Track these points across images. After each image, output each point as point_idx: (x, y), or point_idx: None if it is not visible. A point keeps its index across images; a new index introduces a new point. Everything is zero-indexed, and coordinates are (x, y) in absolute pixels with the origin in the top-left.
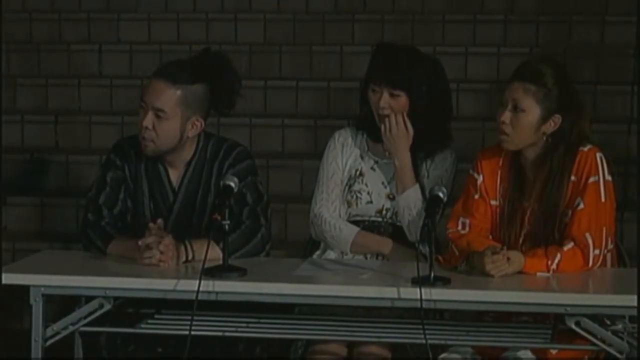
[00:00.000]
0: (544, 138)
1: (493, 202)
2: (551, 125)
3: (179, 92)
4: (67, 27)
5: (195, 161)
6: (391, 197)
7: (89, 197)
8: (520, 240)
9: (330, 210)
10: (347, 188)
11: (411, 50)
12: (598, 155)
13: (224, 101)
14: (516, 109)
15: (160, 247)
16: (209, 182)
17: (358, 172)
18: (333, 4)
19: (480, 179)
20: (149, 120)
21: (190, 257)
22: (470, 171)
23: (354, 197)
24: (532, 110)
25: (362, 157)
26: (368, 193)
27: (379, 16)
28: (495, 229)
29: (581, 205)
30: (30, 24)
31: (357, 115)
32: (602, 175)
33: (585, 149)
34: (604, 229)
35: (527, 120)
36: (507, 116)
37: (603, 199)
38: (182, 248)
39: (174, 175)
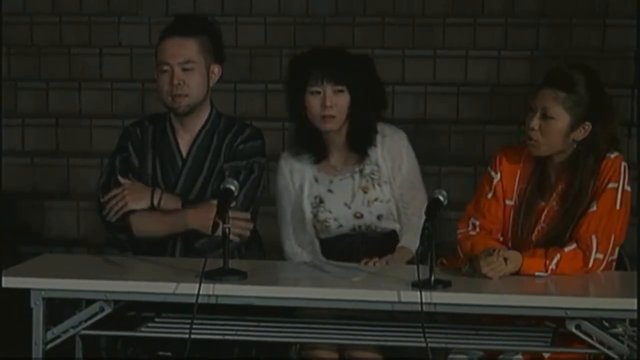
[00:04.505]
0: (574, 145)
1: (508, 202)
2: (581, 133)
3: (197, 41)
4: (68, 30)
5: (206, 130)
6: (358, 216)
7: (104, 183)
8: (533, 237)
9: (292, 246)
10: (313, 218)
11: (339, 48)
12: (623, 163)
13: (220, 48)
14: (545, 116)
15: (125, 185)
16: (219, 151)
17: (318, 200)
18: (334, 7)
19: (497, 177)
20: (178, 76)
21: (156, 203)
22: (488, 168)
23: (323, 225)
24: (561, 118)
25: (316, 180)
26: (335, 219)
27: (380, 19)
28: (507, 228)
29: (594, 208)
30: (31, 27)
31: (293, 137)
32: (622, 184)
33: (612, 156)
34: (613, 236)
35: (556, 127)
36: (536, 123)
37: (618, 207)
38: (150, 192)
39: (184, 143)
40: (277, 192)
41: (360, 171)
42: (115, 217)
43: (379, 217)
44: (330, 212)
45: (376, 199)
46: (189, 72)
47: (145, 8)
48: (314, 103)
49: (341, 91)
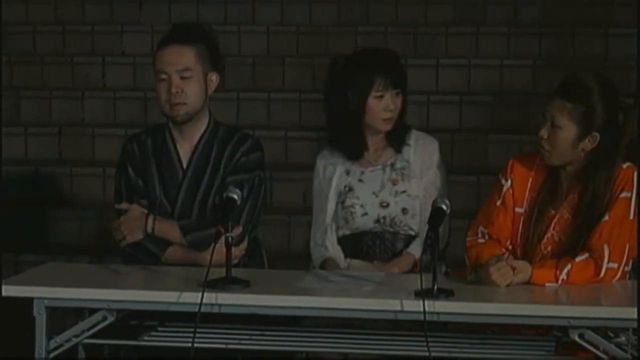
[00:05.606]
0: (582, 155)
1: (518, 210)
2: (590, 143)
3: (194, 50)
4: (71, 39)
5: (205, 139)
6: (384, 205)
7: (119, 210)
8: (542, 244)
9: (315, 240)
10: (340, 205)
11: (389, 50)
12: (636, 173)
13: (218, 56)
14: (554, 125)
15: (121, 219)
16: (219, 163)
17: (347, 188)
18: (336, 16)
19: (507, 184)
20: (176, 84)
21: (150, 230)
22: (499, 176)
23: (348, 212)
24: (568, 128)
25: (347, 173)
26: (361, 206)
27: (382, 28)
28: (516, 236)
29: (606, 217)
30: (33, 36)
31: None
32: (636, 193)
33: (624, 166)
34: (627, 245)
35: (562, 137)
36: (545, 131)
37: (632, 216)
38: (144, 219)
39: (183, 153)
40: (313, 191)
41: (392, 165)
42: (122, 245)
43: (404, 210)
44: (358, 198)
45: (404, 191)
46: (186, 80)
47: (148, 17)
48: (377, 107)
49: (398, 94)
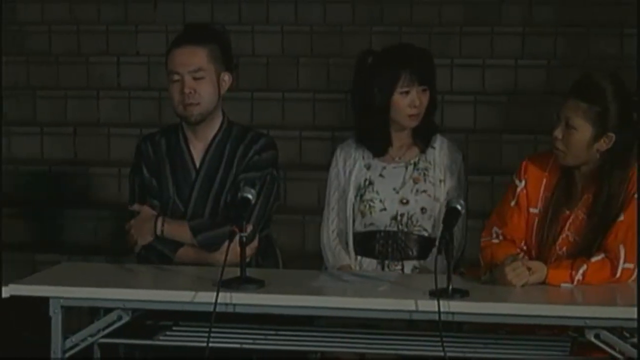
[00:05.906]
0: (597, 155)
1: (532, 210)
2: (605, 143)
3: (206, 50)
4: (86, 39)
5: (219, 139)
6: (404, 202)
7: (132, 212)
8: (557, 245)
9: (328, 232)
10: (358, 199)
11: (418, 47)
12: None
13: (230, 56)
14: (568, 125)
15: (132, 222)
16: (232, 161)
17: (367, 182)
18: (350, 15)
19: (521, 185)
20: (189, 84)
21: (159, 233)
22: (513, 176)
23: (367, 206)
24: (583, 129)
25: (367, 167)
26: (380, 200)
27: (397, 28)
28: (530, 236)
29: (621, 218)
30: (49, 36)
31: (364, 130)
32: (637, 193)
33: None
34: None
35: (577, 138)
36: (559, 132)
37: None
38: (153, 222)
39: (197, 153)
40: (328, 181)
41: (415, 164)
42: (136, 250)
43: (423, 209)
44: (378, 193)
45: (424, 191)
46: (199, 80)
47: (162, 17)
48: (402, 103)
49: (425, 90)
